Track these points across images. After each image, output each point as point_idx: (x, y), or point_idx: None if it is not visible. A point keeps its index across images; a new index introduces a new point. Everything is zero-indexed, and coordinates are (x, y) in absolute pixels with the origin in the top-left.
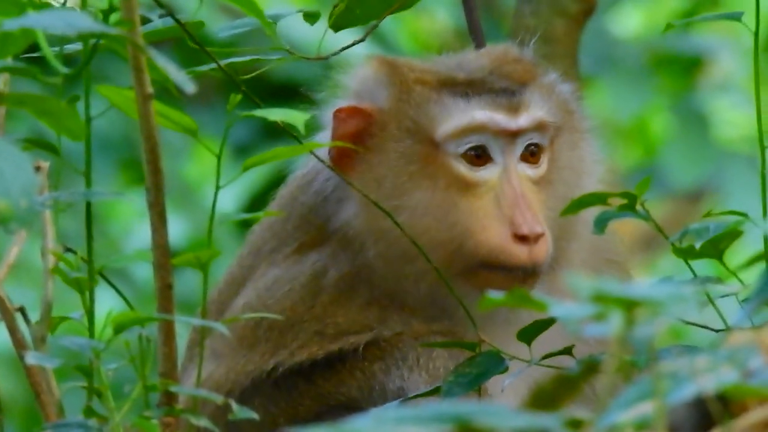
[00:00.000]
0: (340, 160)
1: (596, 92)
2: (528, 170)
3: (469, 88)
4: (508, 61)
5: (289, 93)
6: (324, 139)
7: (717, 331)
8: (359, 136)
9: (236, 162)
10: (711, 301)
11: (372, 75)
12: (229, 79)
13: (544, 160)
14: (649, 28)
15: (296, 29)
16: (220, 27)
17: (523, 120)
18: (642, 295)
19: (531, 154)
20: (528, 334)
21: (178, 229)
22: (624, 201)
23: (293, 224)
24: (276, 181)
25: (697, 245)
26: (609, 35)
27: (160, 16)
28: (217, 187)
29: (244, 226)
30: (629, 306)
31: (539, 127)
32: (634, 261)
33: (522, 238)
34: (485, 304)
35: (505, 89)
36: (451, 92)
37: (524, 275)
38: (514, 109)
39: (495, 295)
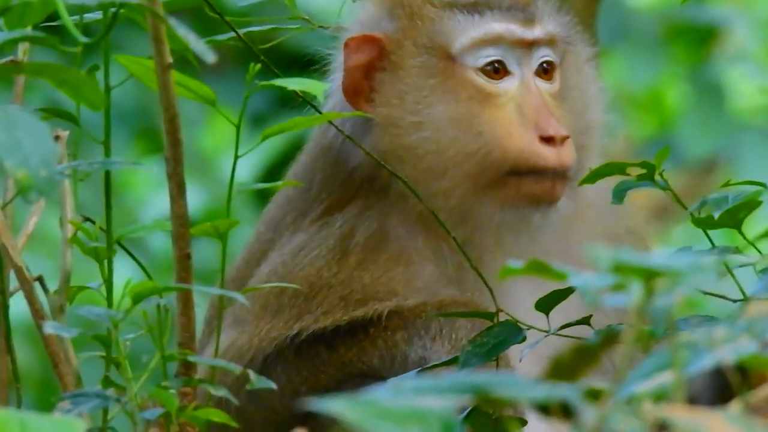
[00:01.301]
0: (355, 95)
1: (611, 63)
2: (543, 84)
3: (481, 3)
4: None
5: (307, 63)
6: (335, 78)
7: (735, 301)
8: (371, 67)
9: (253, 132)
10: (729, 271)
11: (377, 7)
12: (248, 49)
13: (557, 77)
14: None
15: None
16: None
17: (538, 31)
18: (661, 265)
19: (544, 71)
20: (546, 304)
21: (195, 200)
22: (642, 170)
23: (317, 189)
24: (292, 151)
25: (716, 215)
26: (624, 6)
27: None
28: (236, 156)
29: (262, 197)
30: (649, 276)
31: (551, 41)
32: (650, 232)
33: (548, 140)
34: (504, 273)
35: (515, 4)
36: (462, 8)
37: (553, 178)
38: (528, 21)
39: (514, 264)
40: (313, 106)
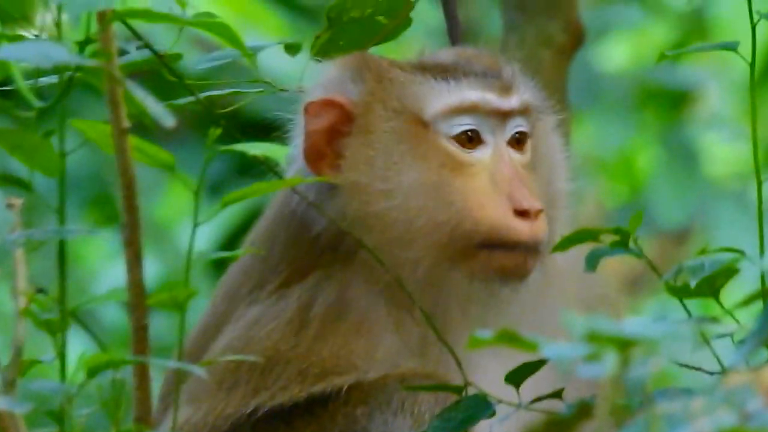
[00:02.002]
0: (317, 160)
1: (581, 127)
2: (516, 155)
3: (453, 70)
4: (480, 53)
5: (268, 128)
6: (296, 143)
7: (713, 373)
8: (333, 131)
9: (212, 199)
10: (707, 341)
11: (339, 70)
12: (208, 113)
13: (528, 147)
14: (635, 60)
15: (277, 61)
16: (197, 59)
17: (514, 100)
18: (637, 334)
19: (517, 141)
20: (517, 377)
21: (151, 270)
22: (615, 237)
23: (276, 258)
24: (252, 219)
25: (692, 284)
26: (593, 68)
27: (137, 48)
28: (195, 224)
29: (220, 267)
30: (624, 345)
31: (526, 110)
32: (623, 300)
33: (522, 213)
34: (473, 344)
35: (490, 70)
36: (434, 73)
37: (526, 252)
38: (505, 90)
39: (483, 334)
40: (275, 172)
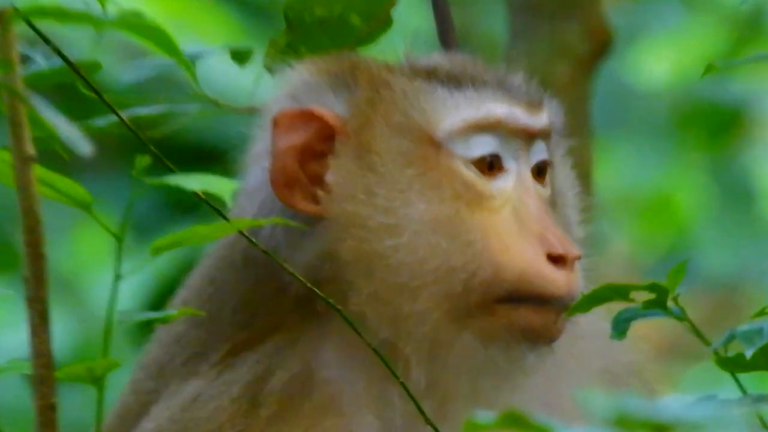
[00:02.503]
0: (287, 187)
1: (606, 156)
2: (538, 187)
3: (468, 78)
4: (481, 62)
5: (211, 156)
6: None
7: None
8: (308, 151)
9: (138, 245)
10: (765, 426)
11: (315, 74)
12: (134, 137)
13: (548, 180)
14: (675, 73)
15: (222, 73)
16: (122, 70)
17: (544, 118)
18: (676, 417)
19: (539, 172)
20: None
21: (62, 333)
22: (651, 295)
23: (223, 319)
24: (187, 271)
25: (747, 354)
26: (622, 83)
27: (46, 56)
28: (117, 277)
29: (146, 332)
30: (661, 431)
31: (549, 133)
32: (659, 373)
33: (557, 260)
34: (469, 428)
35: (514, 80)
36: (445, 82)
37: (558, 309)
38: (533, 106)
39: (483, 416)
40: (218, 212)
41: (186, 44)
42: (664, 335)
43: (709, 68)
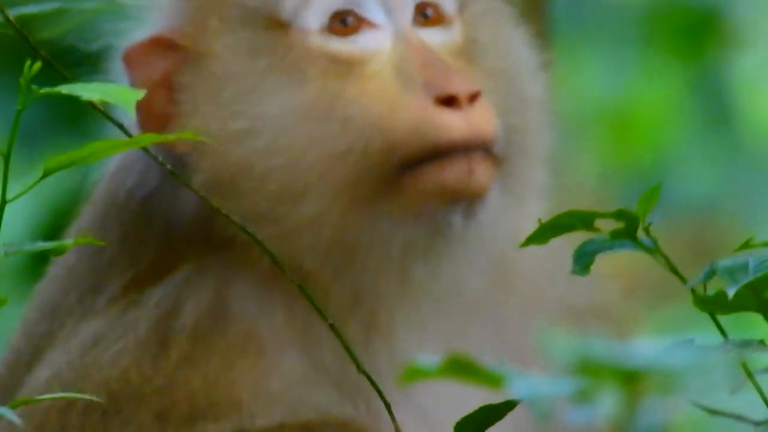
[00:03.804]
0: (155, 126)
1: (569, 66)
2: (433, 35)
3: None
4: None
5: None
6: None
7: (758, 423)
8: (171, 82)
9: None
10: (750, 375)
11: None
12: (21, 39)
13: (455, 26)
14: None
15: None
16: None
17: None
18: (649, 364)
19: (424, 16)
20: (473, 426)
21: None
22: (619, 224)
23: (117, 249)
24: (82, 196)
25: (730, 292)
26: None
27: None
28: (3, 200)
29: (38, 265)
30: (630, 379)
31: None
32: (633, 312)
33: (449, 102)
34: (409, 376)
35: None
36: None
37: (469, 154)
38: None
39: (424, 362)
40: (119, 125)
41: None
42: (634, 270)
43: None
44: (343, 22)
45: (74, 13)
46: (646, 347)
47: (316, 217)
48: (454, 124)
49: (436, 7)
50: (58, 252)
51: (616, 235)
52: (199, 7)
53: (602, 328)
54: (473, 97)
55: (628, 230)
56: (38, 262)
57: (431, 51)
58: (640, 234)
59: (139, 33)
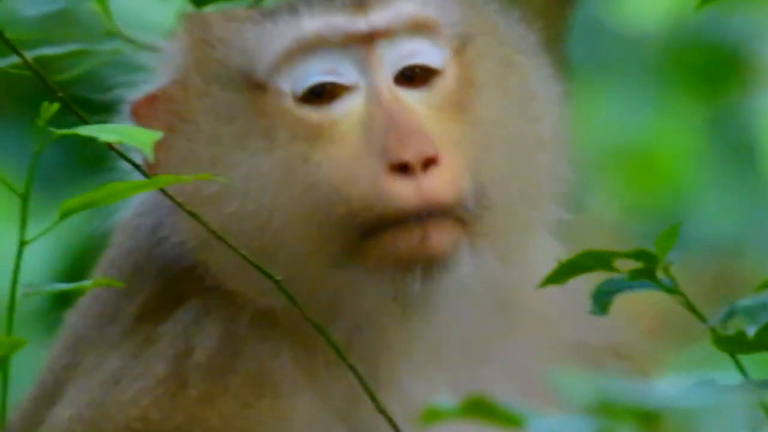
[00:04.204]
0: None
1: (588, 103)
2: (413, 93)
3: (297, 3)
4: None
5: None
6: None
7: None
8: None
9: (44, 203)
10: None
11: (173, 42)
12: (39, 80)
13: (445, 76)
14: (665, 6)
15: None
16: (24, 2)
17: (379, 16)
18: (668, 404)
19: (407, 78)
20: None
21: None
22: (638, 263)
23: (129, 279)
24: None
25: (750, 332)
26: (606, 19)
27: None
28: (22, 243)
29: (62, 304)
30: (649, 419)
31: (420, 25)
32: (652, 352)
33: (402, 169)
34: (429, 417)
35: None
36: (270, 16)
37: (422, 222)
38: (357, 5)
39: (442, 403)
40: (137, 166)
41: None
42: (653, 310)
43: (703, 0)
44: (319, 93)
45: (90, 54)
46: (665, 387)
47: (288, 278)
48: (404, 192)
49: (421, 67)
50: (77, 293)
51: (635, 275)
52: (188, 65)
53: (621, 368)
54: (428, 163)
55: (647, 270)
56: (57, 303)
57: (400, 112)
58: (660, 273)
59: (149, 83)
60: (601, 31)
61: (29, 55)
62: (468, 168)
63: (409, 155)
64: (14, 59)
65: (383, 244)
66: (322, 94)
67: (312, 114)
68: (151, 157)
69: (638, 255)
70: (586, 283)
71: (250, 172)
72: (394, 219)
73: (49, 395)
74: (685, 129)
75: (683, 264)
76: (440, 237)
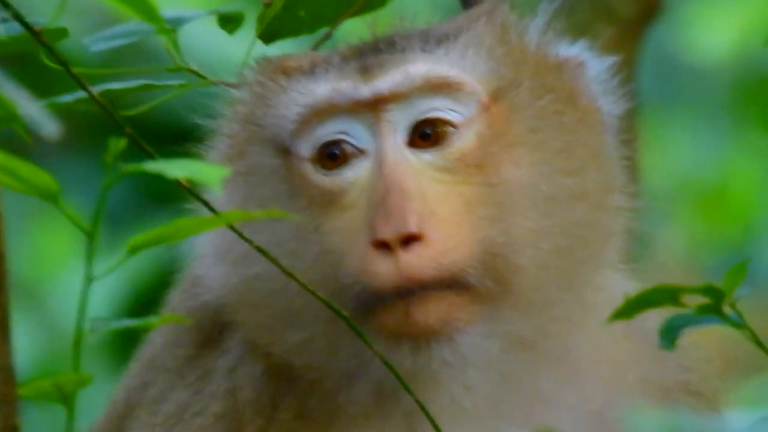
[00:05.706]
0: None
1: (658, 137)
2: (426, 154)
3: (321, 61)
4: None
5: (194, 137)
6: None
7: None
8: None
9: (110, 239)
10: None
11: (237, 89)
12: (107, 116)
13: (461, 138)
14: (736, 41)
15: (207, 41)
16: (91, 38)
17: (384, 81)
18: None
19: (423, 135)
20: None
21: (25, 343)
22: (705, 299)
23: (192, 323)
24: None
25: None
26: (676, 54)
27: (3, 22)
28: (88, 279)
29: (128, 340)
30: None
31: (432, 87)
32: (721, 387)
33: (383, 246)
34: None
35: (363, 50)
36: (301, 72)
37: (406, 299)
38: (365, 72)
39: None
40: (205, 203)
41: (166, 8)
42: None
43: None
44: (332, 156)
45: (157, 89)
46: (735, 422)
47: (306, 340)
48: (381, 271)
49: (438, 122)
50: (144, 330)
51: (702, 310)
52: (238, 130)
53: (692, 404)
54: (409, 240)
55: (715, 305)
56: (124, 338)
57: (397, 182)
58: (727, 309)
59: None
60: (671, 63)
61: (96, 90)
62: (478, 233)
63: (389, 233)
64: (81, 94)
65: (376, 318)
66: (335, 158)
67: (325, 179)
68: (219, 193)
69: (706, 290)
70: (654, 321)
71: (272, 237)
72: (377, 296)
73: (118, 417)
74: (756, 163)
75: (751, 298)
76: (426, 312)
